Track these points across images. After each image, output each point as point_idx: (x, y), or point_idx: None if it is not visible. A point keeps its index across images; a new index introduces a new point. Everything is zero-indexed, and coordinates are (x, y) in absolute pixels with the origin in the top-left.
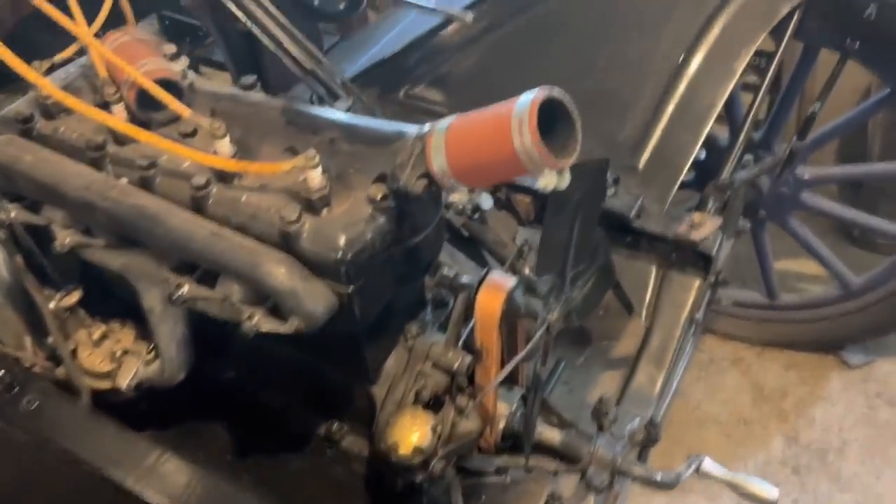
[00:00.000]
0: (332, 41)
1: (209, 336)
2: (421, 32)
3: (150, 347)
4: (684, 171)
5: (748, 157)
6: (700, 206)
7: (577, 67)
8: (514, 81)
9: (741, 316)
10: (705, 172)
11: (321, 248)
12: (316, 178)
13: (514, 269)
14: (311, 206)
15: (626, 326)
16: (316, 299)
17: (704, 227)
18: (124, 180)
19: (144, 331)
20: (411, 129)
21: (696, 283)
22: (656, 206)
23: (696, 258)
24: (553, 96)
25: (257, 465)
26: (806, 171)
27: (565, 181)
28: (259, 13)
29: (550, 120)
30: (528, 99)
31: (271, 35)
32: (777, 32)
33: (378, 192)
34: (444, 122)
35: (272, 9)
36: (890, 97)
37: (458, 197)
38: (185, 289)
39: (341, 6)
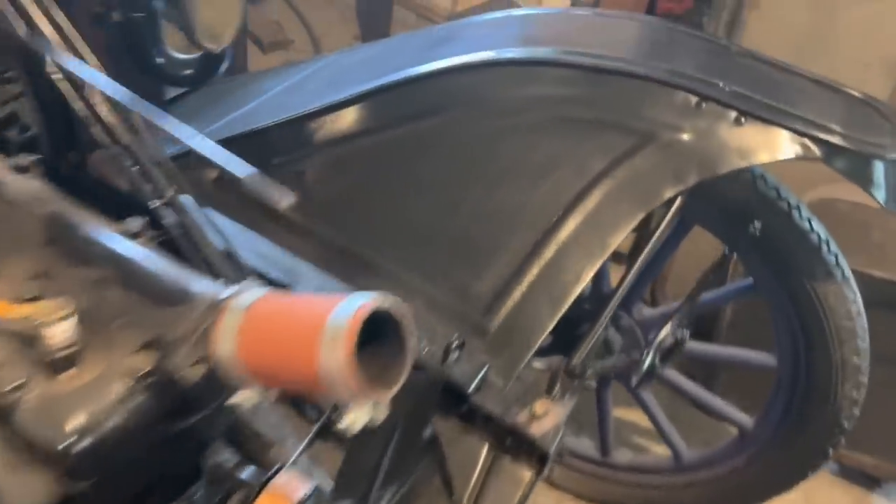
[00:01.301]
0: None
1: None
2: (288, 115)
3: None
4: (536, 346)
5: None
6: (546, 386)
7: (442, 201)
8: (375, 198)
9: (570, 466)
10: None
11: (43, 429)
12: (61, 335)
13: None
14: (49, 367)
15: None
16: (24, 498)
17: (546, 420)
18: None
19: None
20: (207, 290)
21: (528, 476)
22: (500, 379)
23: (531, 450)
24: (386, 308)
25: None
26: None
27: (381, 414)
28: (78, 70)
29: (375, 331)
30: (353, 308)
31: (85, 98)
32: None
33: (143, 363)
34: (247, 299)
35: (95, 63)
36: (749, 289)
37: (246, 395)
38: None
39: (189, 72)
